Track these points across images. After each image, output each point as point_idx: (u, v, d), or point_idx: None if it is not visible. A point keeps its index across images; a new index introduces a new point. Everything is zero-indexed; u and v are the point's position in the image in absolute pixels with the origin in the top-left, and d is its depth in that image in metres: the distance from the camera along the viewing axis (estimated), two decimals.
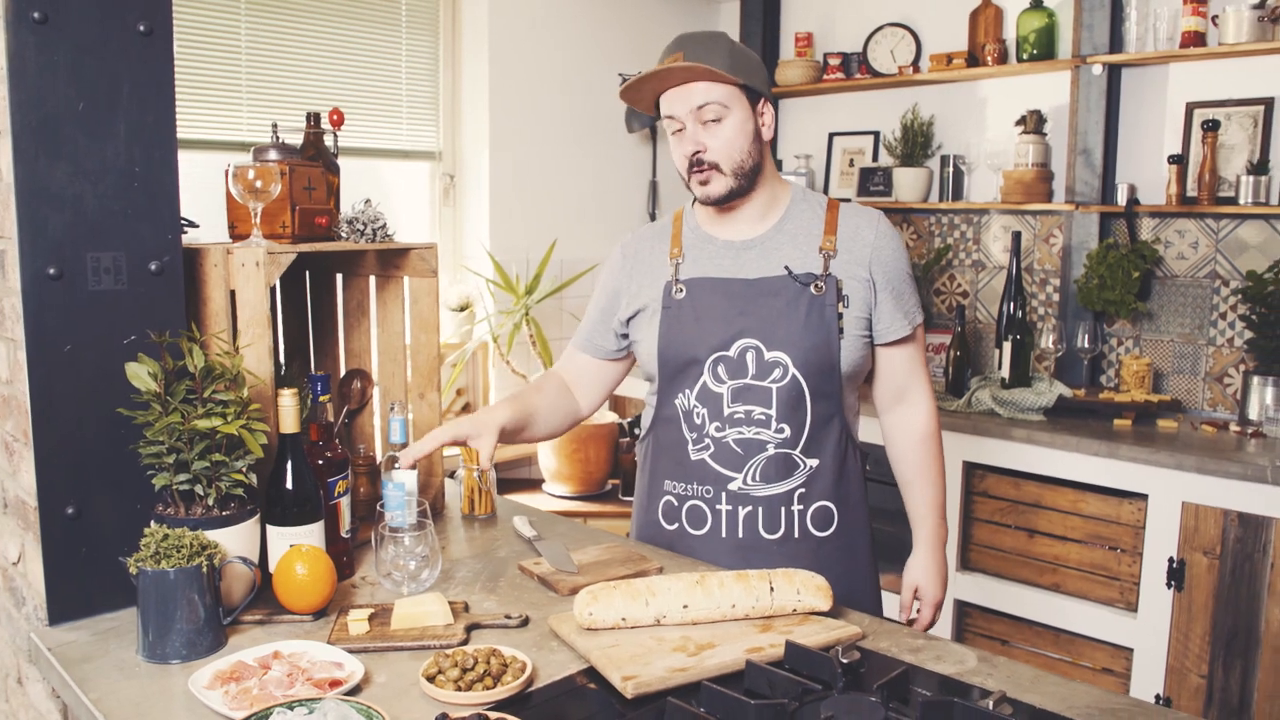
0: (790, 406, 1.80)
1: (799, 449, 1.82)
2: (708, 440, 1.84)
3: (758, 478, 1.82)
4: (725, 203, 1.83)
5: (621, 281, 1.98)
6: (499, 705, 1.31)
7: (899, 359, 1.92)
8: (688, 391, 1.85)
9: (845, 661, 1.35)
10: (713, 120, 1.76)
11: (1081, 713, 1.31)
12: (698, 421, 1.85)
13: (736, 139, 1.78)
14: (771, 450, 1.81)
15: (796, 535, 1.84)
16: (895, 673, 1.33)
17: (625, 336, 1.98)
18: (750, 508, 1.83)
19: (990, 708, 1.25)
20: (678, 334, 1.85)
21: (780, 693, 1.31)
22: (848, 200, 1.91)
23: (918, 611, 2.00)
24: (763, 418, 1.81)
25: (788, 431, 1.81)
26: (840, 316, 1.81)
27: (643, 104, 1.86)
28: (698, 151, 1.78)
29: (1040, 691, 1.37)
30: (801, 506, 1.84)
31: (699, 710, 1.24)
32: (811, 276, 1.81)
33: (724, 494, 1.84)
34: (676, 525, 1.90)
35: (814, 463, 1.83)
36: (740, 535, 1.84)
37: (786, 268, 1.82)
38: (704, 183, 1.81)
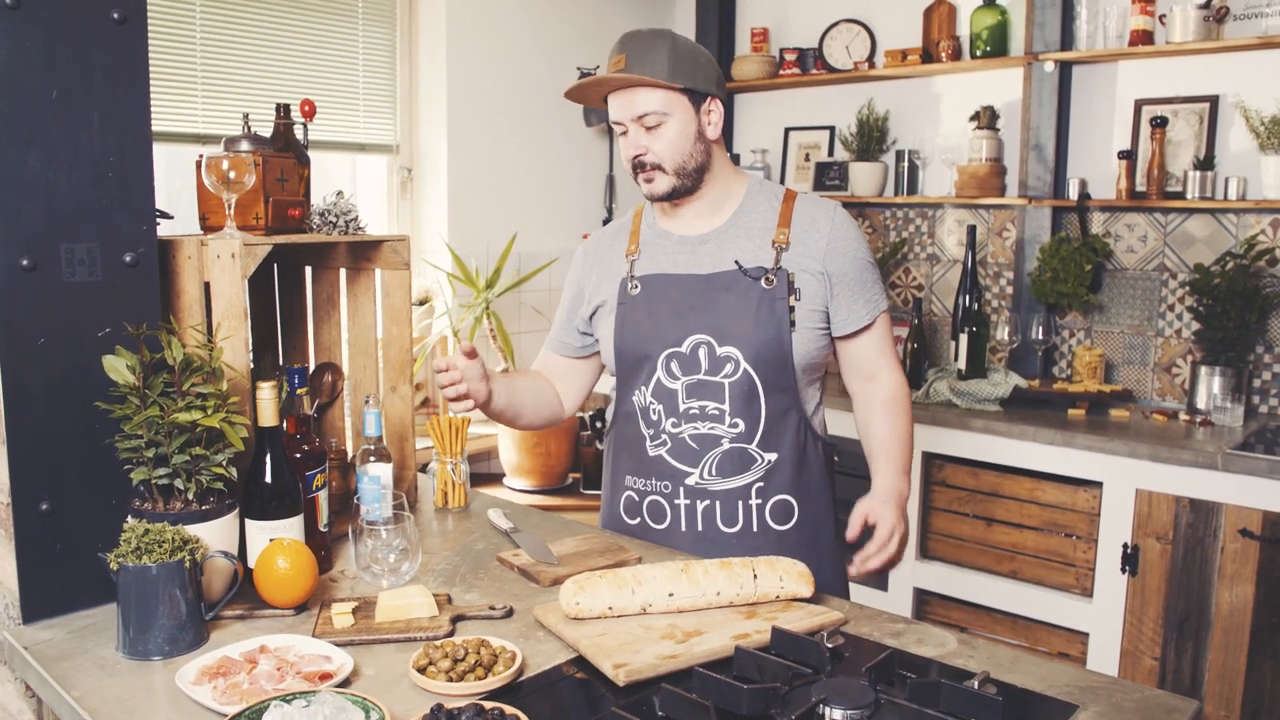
0: (744, 401, 1.81)
1: (754, 443, 1.83)
2: (664, 436, 1.86)
3: (714, 472, 1.84)
4: (670, 200, 1.86)
5: (584, 279, 2.01)
6: (491, 695, 1.31)
7: (862, 348, 1.92)
8: (643, 388, 1.88)
9: (831, 646, 1.38)
10: (653, 126, 1.79)
11: (1063, 691, 1.35)
12: (654, 418, 1.87)
13: (678, 141, 1.81)
14: (726, 445, 1.83)
15: (755, 529, 1.85)
16: (882, 656, 1.35)
17: (590, 335, 2.01)
18: (708, 502, 1.85)
19: (976, 688, 1.28)
20: (632, 330, 1.88)
21: (770, 677, 1.32)
22: (806, 192, 1.92)
23: (873, 561, 1.79)
24: (716, 413, 1.82)
25: (742, 426, 1.82)
26: (792, 310, 1.82)
27: (592, 103, 1.90)
28: (639, 155, 1.82)
29: (1021, 671, 1.41)
30: (760, 500, 1.84)
31: (693, 696, 1.25)
32: (762, 270, 1.82)
33: (682, 489, 1.86)
34: (638, 520, 1.93)
35: (772, 456, 1.84)
36: (700, 529, 1.85)
37: (736, 262, 1.84)
38: (648, 181, 1.84)
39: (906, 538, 1.82)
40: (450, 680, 1.33)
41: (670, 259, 1.89)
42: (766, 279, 1.82)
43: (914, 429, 1.99)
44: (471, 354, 1.81)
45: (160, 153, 2.98)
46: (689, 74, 1.80)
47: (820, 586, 1.76)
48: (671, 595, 1.52)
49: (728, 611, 1.54)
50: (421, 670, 1.35)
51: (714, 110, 1.84)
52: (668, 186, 1.83)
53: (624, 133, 1.84)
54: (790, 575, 1.57)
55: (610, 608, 1.50)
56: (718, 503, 1.84)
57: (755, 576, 1.56)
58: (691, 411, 1.83)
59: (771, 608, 1.56)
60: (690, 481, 1.85)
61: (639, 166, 1.83)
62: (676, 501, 1.87)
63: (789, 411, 1.84)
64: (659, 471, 1.88)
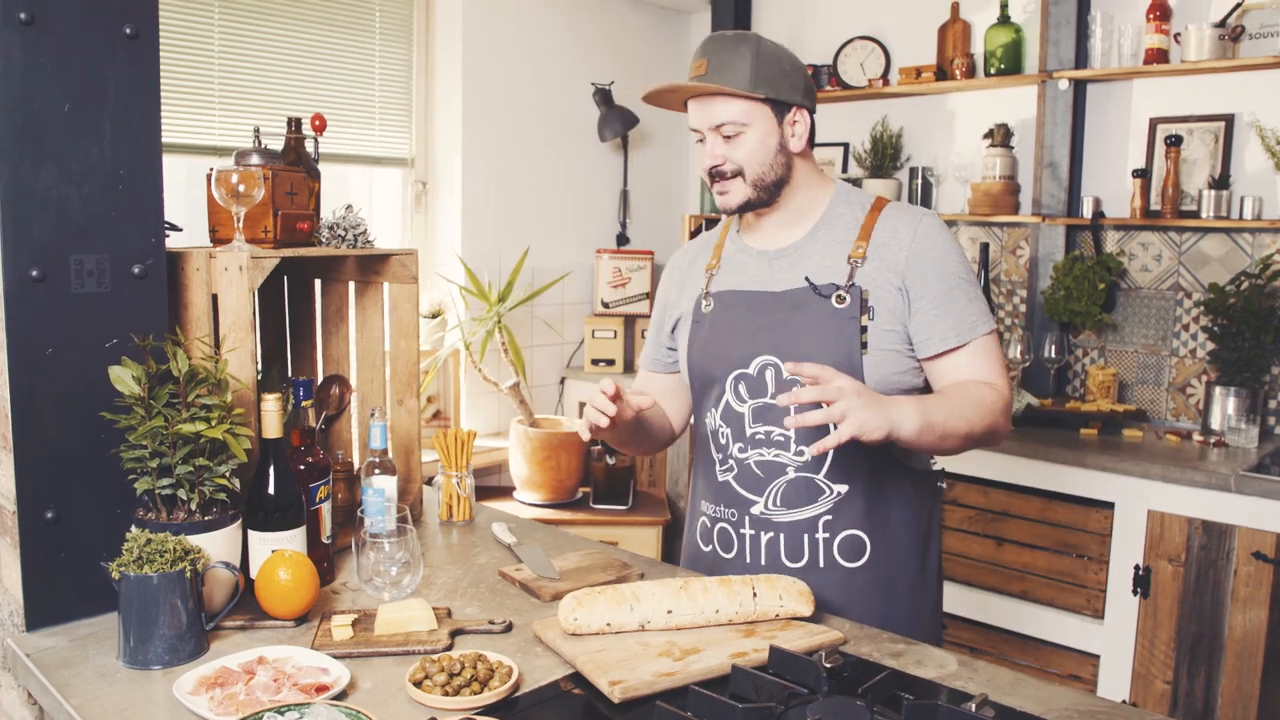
0: (810, 428, 1.61)
1: (823, 473, 1.71)
2: (732, 462, 1.77)
3: (779, 502, 1.73)
4: (744, 212, 1.78)
5: (670, 293, 1.95)
6: (486, 710, 1.32)
7: (951, 371, 1.70)
8: (714, 410, 1.80)
9: (829, 666, 1.37)
10: (732, 136, 1.71)
11: (1061, 715, 1.34)
12: (722, 442, 1.79)
13: (757, 152, 1.72)
14: (792, 474, 1.72)
15: (822, 564, 1.72)
16: (879, 676, 1.34)
17: (675, 350, 1.95)
18: (772, 534, 1.74)
19: (973, 710, 1.27)
20: (701, 350, 1.81)
21: (766, 696, 1.32)
22: (898, 202, 1.81)
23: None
24: (782, 439, 1.72)
25: (808, 454, 1.70)
26: (864, 330, 1.69)
27: (672, 107, 1.81)
28: (716, 164, 1.74)
29: (1020, 694, 1.40)
30: (827, 535, 1.72)
31: (687, 715, 1.25)
32: (833, 287, 1.71)
33: (747, 518, 1.76)
34: (710, 548, 1.85)
35: (842, 488, 1.71)
36: (763, 562, 1.75)
37: (807, 278, 1.73)
38: (722, 193, 1.76)
39: (854, 418, 1.47)
40: (446, 694, 1.33)
41: (747, 274, 1.81)
42: (838, 297, 1.70)
43: (981, 425, 1.64)
44: (645, 407, 1.73)
45: (179, 165, 3.02)
46: (772, 83, 1.70)
47: (902, 631, 1.64)
48: (670, 612, 1.52)
49: (726, 629, 1.54)
50: (417, 684, 1.35)
51: (799, 121, 1.74)
52: (742, 198, 1.75)
53: (701, 140, 1.76)
54: (790, 594, 1.57)
55: (608, 624, 1.50)
56: (782, 535, 1.73)
57: (754, 595, 1.55)
58: (758, 437, 1.74)
59: (771, 626, 1.55)
60: (755, 511, 1.75)
61: (716, 176, 1.75)
62: (742, 531, 1.77)
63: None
64: (727, 499, 1.79)
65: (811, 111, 1.76)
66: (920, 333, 1.70)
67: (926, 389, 1.76)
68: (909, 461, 1.77)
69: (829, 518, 1.72)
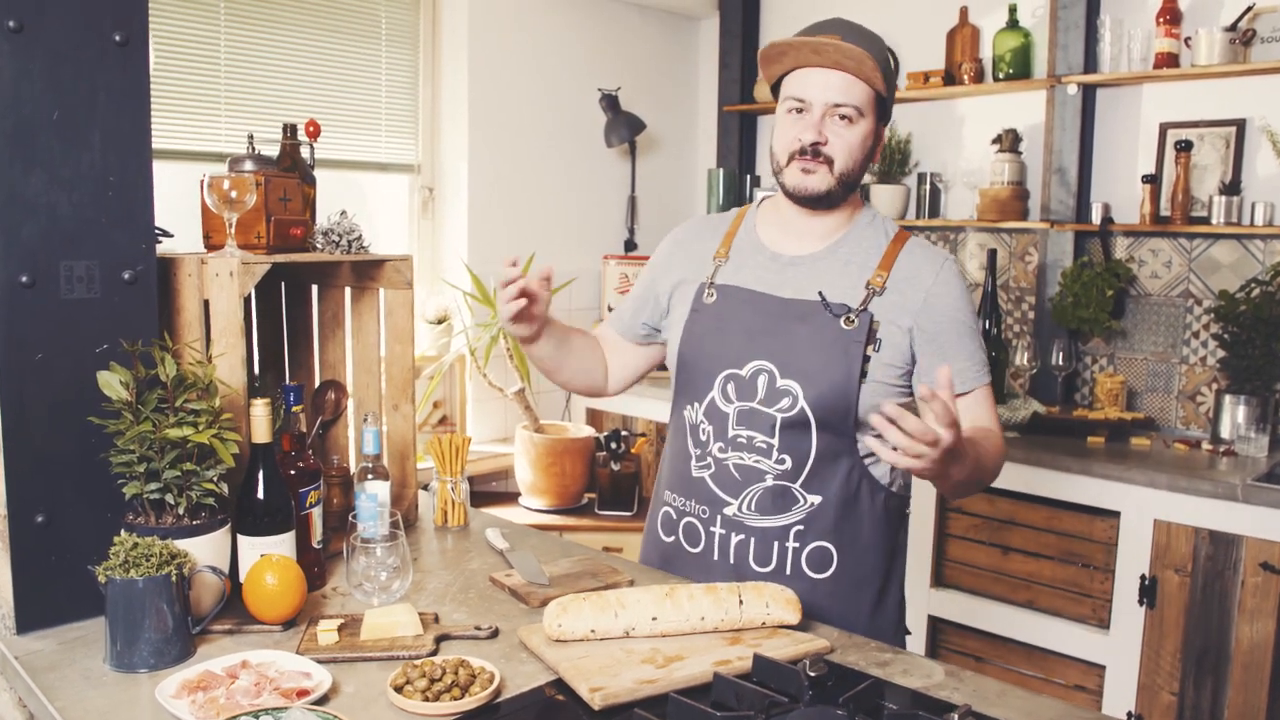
0: (794, 438, 1.68)
1: (799, 483, 1.71)
2: (710, 459, 1.76)
3: (753, 507, 1.73)
4: (813, 204, 1.71)
5: (659, 270, 1.91)
6: (466, 716, 1.31)
7: None
8: (696, 404, 1.78)
9: (812, 674, 1.35)
10: (846, 118, 1.65)
11: None
12: (703, 438, 1.78)
13: (860, 145, 1.68)
14: (770, 481, 1.72)
15: (789, 572, 1.73)
16: (861, 685, 1.33)
17: (652, 328, 1.93)
18: (743, 536, 1.74)
19: None
20: (697, 342, 1.78)
21: (747, 705, 1.31)
22: (920, 238, 1.79)
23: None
24: (764, 446, 1.71)
25: (789, 463, 1.70)
26: (867, 359, 1.67)
27: (770, 72, 1.72)
28: (818, 141, 1.65)
29: (1006, 705, 1.38)
30: (797, 544, 1.73)
31: None
32: (845, 308, 1.68)
33: (719, 517, 1.76)
34: (673, 539, 1.85)
35: (815, 499, 1.71)
36: (731, 562, 1.76)
37: (820, 293, 1.70)
38: (807, 171, 1.67)
39: (923, 467, 1.46)
40: (426, 700, 1.32)
41: (755, 274, 1.77)
42: (847, 319, 1.68)
43: (986, 478, 1.68)
44: (548, 277, 1.71)
45: (186, 171, 3.04)
46: (890, 85, 1.67)
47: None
48: (655, 619, 1.51)
49: (712, 637, 1.53)
50: (399, 689, 1.35)
51: (882, 134, 1.74)
52: (825, 186, 1.68)
53: (802, 110, 1.66)
54: (777, 602, 1.56)
55: (593, 630, 1.50)
56: (753, 540, 1.74)
57: (741, 602, 1.54)
58: (739, 440, 1.73)
59: (757, 634, 1.54)
60: (728, 512, 1.75)
61: (807, 154, 1.66)
62: (713, 529, 1.77)
63: (841, 456, 1.71)
64: (699, 495, 1.78)
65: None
66: (925, 375, 1.69)
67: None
68: (885, 481, 1.76)
69: (800, 527, 1.72)
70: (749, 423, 1.72)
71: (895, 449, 1.46)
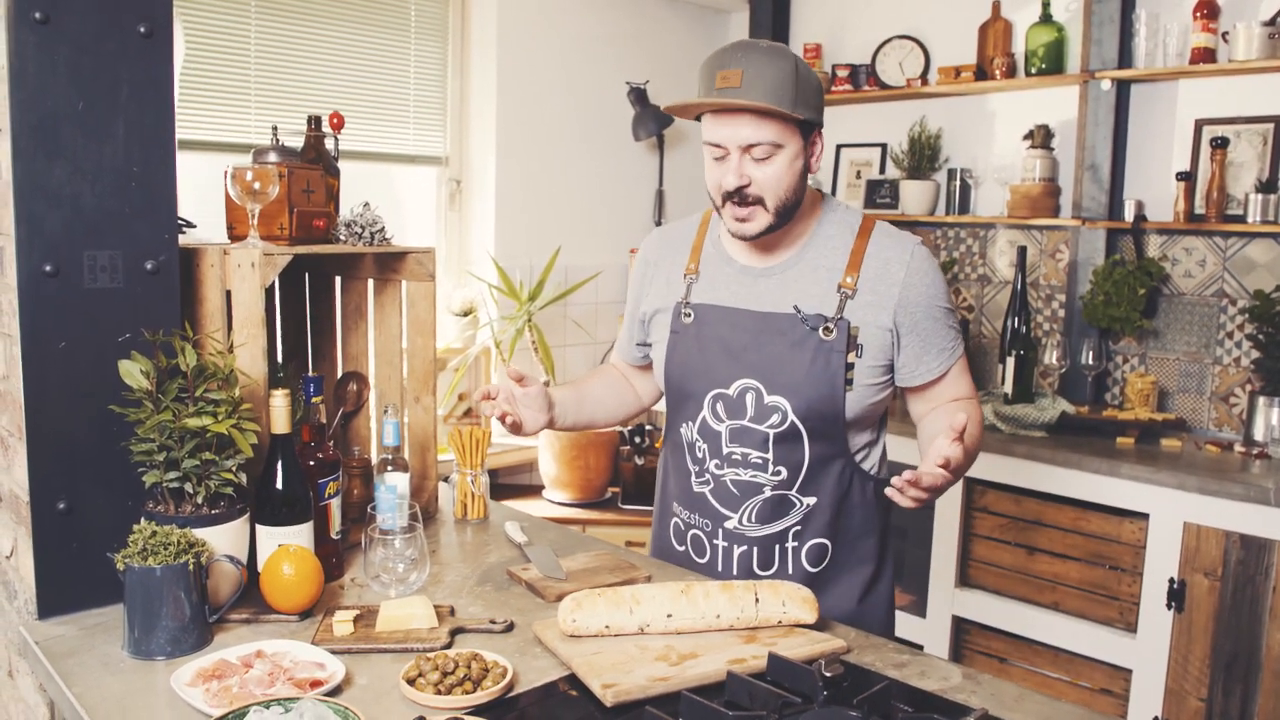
0: (787, 450, 1.72)
1: (795, 489, 1.75)
2: (708, 475, 1.79)
3: (753, 519, 1.76)
4: (758, 240, 1.72)
5: (641, 288, 1.93)
6: (478, 710, 1.31)
7: (933, 398, 1.79)
8: (690, 424, 1.81)
9: (828, 675, 1.34)
10: (763, 158, 1.63)
11: None
12: (699, 455, 1.80)
13: (785, 176, 1.64)
14: (768, 492, 1.75)
15: (790, 570, 1.79)
16: (877, 687, 1.32)
17: (648, 348, 1.95)
18: (745, 547, 1.78)
19: None
20: (681, 364, 1.80)
21: (760, 705, 1.30)
22: (885, 224, 1.77)
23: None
24: (759, 461, 1.74)
25: (784, 473, 1.74)
26: (850, 367, 1.69)
27: (684, 115, 1.71)
28: (743, 186, 1.64)
29: (1024, 710, 1.36)
30: (796, 544, 1.77)
31: None
32: (821, 320, 1.69)
33: (721, 530, 1.80)
34: (684, 549, 1.89)
35: (811, 500, 1.75)
36: (735, 572, 1.80)
37: (795, 307, 1.71)
38: (742, 220, 1.67)
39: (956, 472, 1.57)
40: (438, 693, 1.33)
41: (729, 290, 1.77)
42: (825, 329, 1.68)
43: (980, 443, 1.76)
44: (520, 380, 1.78)
45: (215, 162, 3.06)
46: (810, 102, 1.63)
47: (854, 624, 1.67)
48: (670, 616, 1.51)
49: (727, 635, 1.52)
50: (411, 682, 1.35)
51: (819, 142, 1.69)
52: (764, 226, 1.67)
53: (721, 157, 1.66)
54: (793, 600, 1.54)
55: (607, 626, 1.49)
56: (755, 548, 1.78)
57: (757, 600, 1.53)
58: (734, 457, 1.75)
59: (773, 633, 1.53)
60: (729, 525, 1.78)
61: (737, 199, 1.65)
62: (715, 542, 1.81)
63: (834, 458, 1.75)
64: (702, 509, 1.82)
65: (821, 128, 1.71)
66: (908, 365, 1.74)
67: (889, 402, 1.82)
68: (873, 470, 1.81)
69: (799, 529, 1.77)
70: (742, 440, 1.74)
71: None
